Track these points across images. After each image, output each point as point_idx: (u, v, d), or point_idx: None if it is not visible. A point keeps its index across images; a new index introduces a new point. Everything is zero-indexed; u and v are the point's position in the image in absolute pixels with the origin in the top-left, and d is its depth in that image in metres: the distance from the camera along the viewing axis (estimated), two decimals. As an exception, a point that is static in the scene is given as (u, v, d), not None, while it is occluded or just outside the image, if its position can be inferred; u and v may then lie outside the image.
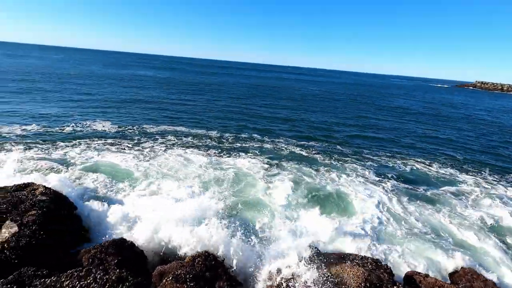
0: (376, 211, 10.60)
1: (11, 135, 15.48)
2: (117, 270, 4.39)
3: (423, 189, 13.17)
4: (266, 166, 14.16)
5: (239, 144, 17.61)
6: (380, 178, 13.91)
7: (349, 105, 41.60)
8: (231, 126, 22.18)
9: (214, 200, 9.21)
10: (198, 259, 6.27)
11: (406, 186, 13.40)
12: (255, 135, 19.99)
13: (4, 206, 6.64)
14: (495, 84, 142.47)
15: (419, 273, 7.04)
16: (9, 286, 4.69)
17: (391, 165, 16.12)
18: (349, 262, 6.59)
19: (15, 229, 6.00)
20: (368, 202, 11.20)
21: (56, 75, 45.43)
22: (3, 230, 6.04)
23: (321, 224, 9.07)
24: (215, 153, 15.59)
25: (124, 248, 6.25)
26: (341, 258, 6.95)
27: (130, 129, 19.05)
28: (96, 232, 7.67)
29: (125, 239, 6.65)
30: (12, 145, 13.84)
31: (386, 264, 6.67)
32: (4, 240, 5.76)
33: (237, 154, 15.62)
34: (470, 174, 15.71)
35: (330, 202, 11.24)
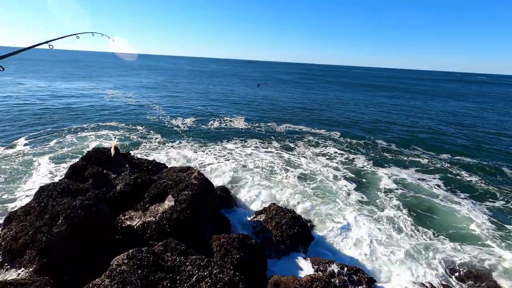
0: None
1: (177, 125, 20.57)
2: (231, 272, 4.33)
3: None
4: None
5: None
6: None
7: None
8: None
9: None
10: (317, 283, 5.46)
11: None
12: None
13: (170, 182, 8.32)
14: None
15: None
16: (160, 249, 5.66)
17: None
18: None
19: (172, 203, 7.33)
20: None
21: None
22: (166, 202, 7.54)
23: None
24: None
25: (247, 244, 6.36)
26: None
27: (279, 130, 20.83)
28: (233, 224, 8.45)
29: (248, 236, 6.79)
30: (178, 136, 18.19)
31: None
32: (164, 210, 7.15)
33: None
34: None
35: None
